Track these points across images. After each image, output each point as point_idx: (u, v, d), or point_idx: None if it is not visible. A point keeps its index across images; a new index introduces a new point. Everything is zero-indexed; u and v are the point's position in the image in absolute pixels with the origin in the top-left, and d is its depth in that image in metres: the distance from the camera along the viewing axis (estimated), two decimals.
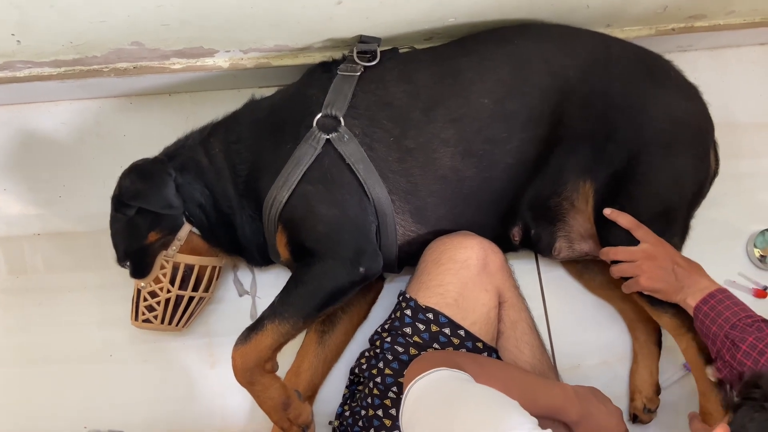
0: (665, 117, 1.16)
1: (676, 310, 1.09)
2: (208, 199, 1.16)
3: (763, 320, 0.97)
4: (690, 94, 1.20)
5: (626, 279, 1.12)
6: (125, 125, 1.40)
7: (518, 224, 1.23)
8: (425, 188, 1.15)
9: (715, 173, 1.23)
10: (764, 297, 1.37)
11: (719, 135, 1.24)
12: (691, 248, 1.22)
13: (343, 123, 1.12)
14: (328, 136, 1.11)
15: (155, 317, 1.19)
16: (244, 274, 1.35)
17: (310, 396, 1.27)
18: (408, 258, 1.22)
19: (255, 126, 1.18)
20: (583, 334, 1.37)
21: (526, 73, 1.16)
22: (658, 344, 1.31)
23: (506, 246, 1.24)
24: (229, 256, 1.24)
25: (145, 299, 1.18)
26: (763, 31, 1.41)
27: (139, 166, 1.16)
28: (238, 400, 1.28)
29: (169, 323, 1.20)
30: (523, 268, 1.37)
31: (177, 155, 1.18)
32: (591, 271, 1.35)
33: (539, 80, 1.15)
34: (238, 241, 1.20)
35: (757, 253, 1.39)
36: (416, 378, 0.87)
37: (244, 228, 1.18)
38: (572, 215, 1.21)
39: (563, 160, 1.17)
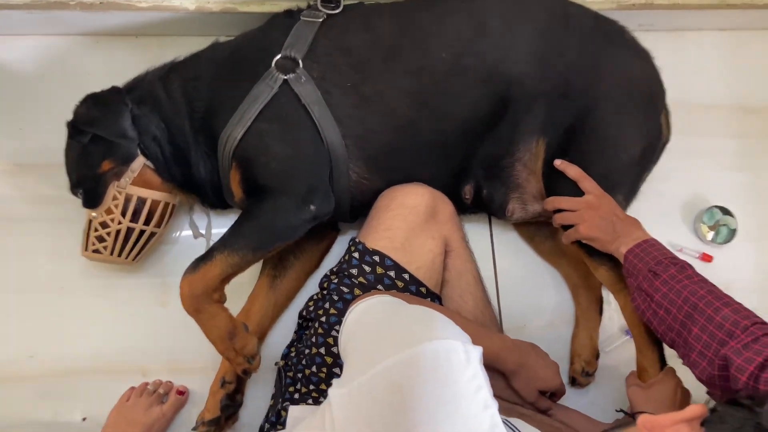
0: (618, 75, 1.19)
1: (614, 263, 1.12)
2: (163, 133, 1.17)
3: (688, 264, 1.01)
4: (643, 57, 1.24)
5: (567, 229, 1.15)
6: (90, 64, 1.41)
7: (470, 182, 1.25)
8: (380, 136, 1.17)
9: (666, 140, 1.26)
10: (710, 261, 1.41)
11: (675, 113, 1.27)
12: (640, 220, 1.23)
13: (301, 65, 1.14)
14: (285, 77, 1.13)
15: (105, 248, 1.19)
16: (201, 217, 1.36)
17: (259, 338, 1.28)
18: (361, 207, 1.24)
19: (215, 65, 1.19)
20: (531, 296, 1.40)
21: (485, 30, 1.18)
22: (599, 310, 1.35)
23: (459, 206, 1.26)
24: (184, 193, 1.25)
25: (96, 230, 1.18)
26: (722, 14, 1.45)
27: (96, 94, 1.17)
28: (187, 339, 1.27)
29: (119, 255, 1.21)
30: (476, 229, 1.40)
31: (135, 88, 1.19)
32: (542, 234, 1.38)
33: (498, 38, 1.18)
34: (192, 179, 1.21)
35: (704, 228, 1.43)
36: (356, 302, 0.89)
37: (198, 165, 1.19)
38: (525, 176, 1.23)
39: (518, 118, 1.19)
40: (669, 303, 0.97)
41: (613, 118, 1.18)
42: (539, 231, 1.38)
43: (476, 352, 0.69)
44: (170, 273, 1.33)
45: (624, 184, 1.23)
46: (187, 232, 1.36)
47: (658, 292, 0.99)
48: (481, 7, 1.20)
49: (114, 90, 1.17)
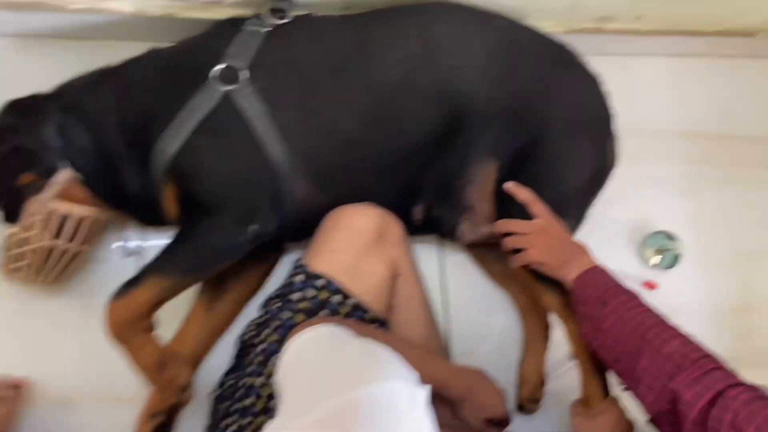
0: (568, 100, 1.19)
1: (562, 289, 1.11)
2: (92, 144, 1.09)
3: (637, 293, 1.00)
4: (592, 82, 1.24)
5: (516, 253, 1.13)
6: (14, 69, 1.30)
7: (421, 203, 1.22)
8: (327, 153, 1.12)
9: (612, 164, 1.26)
10: (653, 288, 1.42)
11: (623, 138, 1.27)
12: (587, 244, 1.23)
13: (244, 76, 1.08)
14: (226, 88, 1.06)
15: (25, 267, 1.09)
16: (132, 235, 1.27)
17: (193, 366, 1.20)
18: (308, 227, 1.18)
19: (151, 72, 1.12)
20: (480, 320, 1.38)
21: (438, 49, 1.15)
22: (547, 335, 1.33)
23: (408, 227, 1.22)
24: (114, 209, 1.16)
25: (15, 247, 1.09)
26: (671, 41, 1.46)
27: (17, 101, 1.08)
28: (114, 366, 1.18)
29: (39, 274, 1.11)
30: (424, 251, 1.36)
31: (62, 95, 1.11)
32: (492, 257, 1.35)
33: (449, 56, 1.15)
34: (124, 194, 1.12)
35: (648, 252, 1.44)
36: (298, 332, 0.84)
37: (130, 179, 1.11)
38: (477, 198, 1.21)
39: (470, 139, 1.17)
40: (617, 332, 0.96)
41: (563, 143, 1.18)
42: (489, 253, 1.36)
43: (422, 394, 0.65)
44: (97, 294, 1.20)
45: (573, 209, 1.22)
46: (118, 250, 1.27)
47: (606, 320, 0.98)
48: (433, 24, 1.17)
49: (37, 96, 1.09)
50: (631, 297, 0.99)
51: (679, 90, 1.56)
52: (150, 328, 1.03)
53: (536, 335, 1.34)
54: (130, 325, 0.99)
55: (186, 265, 1.02)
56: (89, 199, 1.12)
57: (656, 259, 1.44)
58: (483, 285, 1.39)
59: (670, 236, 1.44)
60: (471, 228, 1.25)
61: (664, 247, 1.44)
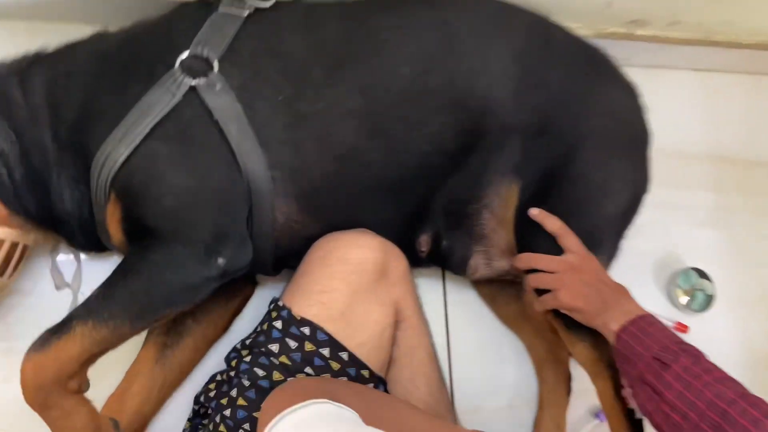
0: (606, 112, 1.01)
1: (596, 340, 0.93)
2: (13, 147, 0.85)
3: (700, 351, 0.82)
4: (630, 93, 1.07)
5: (541, 293, 0.94)
6: None
7: (428, 231, 1.02)
8: (318, 168, 0.90)
9: (647, 189, 1.08)
10: (684, 331, 1.23)
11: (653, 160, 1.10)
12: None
13: (216, 68, 0.86)
14: (193, 82, 0.84)
15: None
16: (67, 263, 1.02)
17: (137, 429, 0.96)
18: (288, 258, 0.97)
19: (96, 60, 0.88)
20: (488, 369, 1.17)
21: (455, 47, 0.96)
22: (568, 390, 1.14)
23: (411, 258, 1.02)
24: (41, 231, 0.92)
25: None
26: (703, 52, 1.31)
27: None
28: (37, 425, 0.94)
29: None
30: (426, 286, 1.15)
31: None
32: (505, 295, 1.16)
33: (470, 56, 0.96)
34: (53, 212, 0.89)
35: (678, 292, 1.25)
36: (283, 412, 0.61)
37: (61, 194, 0.87)
38: (493, 226, 1.02)
39: (488, 156, 0.98)
40: (687, 406, 0.76)
41: (601, 162, 0.99)
42: (502, 291, 1.16)
43: None
44: (18, 336, 0.97)
45: (608, 241, 1.04)
46: (47, 281, 1.02)
47: (669, 389, 0.78)
48: (452, 17, 0.97)
49: None
50: (697, 358, 0.80)
51: (709, 108, 1.39)
52: (80, 388, 0.78)
53: (555, 389, 1.14)
54: (53, 387, 0.75)
55: (129, 309, 0.78)
56: (9, 217, 0.87)
57: (686, 299, 1.25)
58: (492, 327, 1.19)
59: (702, 274, 1.26)
60: (485, 262, 1.06)
61: (696, 287, 1.25)
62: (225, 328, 1.04)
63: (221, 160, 0.84)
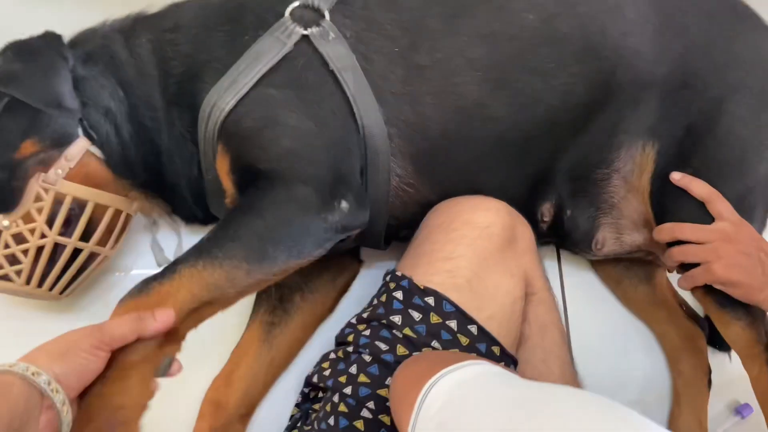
0: (755, 61, 0.90)
1: (753, 319, 0.83)
2: (120, 105, 0.80)
3: None
4: None
5: (688, 268, 0.83)
6: (26, 23, 1.02)
7: (550, 200, 0.93)
8: (437, 124, 0.83)
9: None
10: None
11: None
12: None
13: (328, 18, 0.80)
14: (305, 31, 0.78)
15: (18, 273, 0.79)
16: (168, 237, 0.97)
17: (245, 414, 0.89)
18: (399, 228, 0.89)
19: (203, 12, 0.84)
20: (613, 361, 1.05)
21: None
22: (708, 384, 1.01)
23: None
24: (146, 197, 0.87)
25: (7, 246, 0.79)
26: None
27: (21, 41, 0.80)
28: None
29: (39, 285, 0.81)
30: None
31: (83, 41, 0.84)
32: (633, 277, 1.05)
33: (601, 1, 0.87)
34: (161, 175, 0.83)
35: None
36: (442, 371, 0.53)
37: (171, 153, 0.81)
38: (623, 194, 0.93)
39: (621, 113, 0.88)
40: None
41: (752, 117, 0.89)
42: (628, 272, 1.05)
43: None
44: None
45: (761, 207, 0.92)
46: (147, 259, 0.97)
47: None
48: None
49: (48, 36, 0.81)
50: None
51: None
52: (171, 350, 0.65)
53: (692, 382, 1.01)
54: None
55: (248, 247, 0.68)
56: (114, 181, 0.83)
57: None
58: (616, 314, 1.07)
59: None
60: (614, 236, 0.96)
61: None
62: (332, 306, 0.97)
63: (338, 111, 0.78)
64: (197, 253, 0.67)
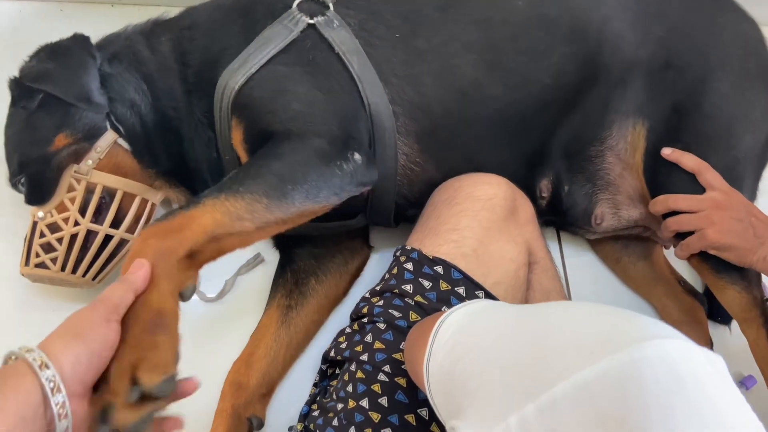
0: (735, 41, 0.95)
1: (749, 283, 0.87)
2: (144, 98, 0.86)
3: None
4: (754, 25, 1.01)
5: (684, 238, 0.87)
6: (51, 35, 1.09)
7: (548, 176, 0.97)
8: (439, 103, 0.88)
9: None
10: None
11: None
12: None
13: (332, 9, 0.86)
14: (311, 20, 0.84)
15: (54, 261, 0.85)
16: None
17: (265, 394, 0.93)
18: (407, 207, 0.94)
19: (217, 10, 0.91)
20: None
21: None
22: None
23: None
24: (170, 185, 0.92)
25: (43, 235, 0.84)
26: None
27: (53, 44, 0.87)
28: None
29: (73, 271, 0.86)
30: None
31: (108, 44, 0.90)
32: (631, 254, 1.09)
33: None
34: (184, 162, 0.89)
35: None
36: (447, 312, 0.58)
37: (192, 140, 0.87)
38: (618, 171, 0.97)
39: (609, 93, 0.94)
40: None
41: (736, 92, 0.94)
42: (626, 250, 1.09)
43: (720, 362, 0.40)
44: None
45: (749, 178, 0.96)
46: None
47: None
48: None
49: (78, 38, 0.87)
50: None
51: None
52: (188, 274, 0.63)
53: None
54: (166, 255, 0.61)
55: (268, 182, 0.70)
56: (140, 170, 0.89)
57: None
58: (616, 291, 1.11)
59: None
60: (612, 211, 1.00)
61: None
62: (346, 289, 1.01)
63: (345, 88, 0.83)
64: (219, 188, 0.69)
